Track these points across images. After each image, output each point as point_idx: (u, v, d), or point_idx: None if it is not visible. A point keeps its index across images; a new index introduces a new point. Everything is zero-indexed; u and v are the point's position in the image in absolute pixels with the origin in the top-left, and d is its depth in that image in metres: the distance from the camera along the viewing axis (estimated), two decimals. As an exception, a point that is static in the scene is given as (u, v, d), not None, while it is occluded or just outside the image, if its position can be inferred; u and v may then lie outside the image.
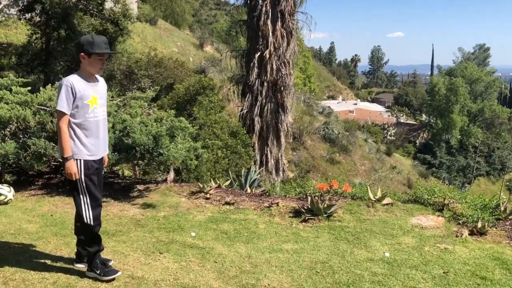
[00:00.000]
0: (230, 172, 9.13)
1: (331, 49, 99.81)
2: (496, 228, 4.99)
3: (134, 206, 5.83)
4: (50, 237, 4.50)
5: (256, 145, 14.71)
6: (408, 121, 58.27)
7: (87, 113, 3.43)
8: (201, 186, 6.38)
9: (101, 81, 3.62)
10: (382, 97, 78.14)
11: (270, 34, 14.26)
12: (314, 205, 5.36)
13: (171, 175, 6.96)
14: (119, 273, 3.59)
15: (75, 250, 3.79)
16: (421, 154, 47.42)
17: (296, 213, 5.46)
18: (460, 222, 5.11)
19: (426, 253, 4.36)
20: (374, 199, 5.75)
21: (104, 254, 3.79)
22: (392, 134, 46.74)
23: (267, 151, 15.10)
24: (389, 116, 56.59)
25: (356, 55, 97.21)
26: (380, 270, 3.93)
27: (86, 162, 3.43)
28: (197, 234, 4.75)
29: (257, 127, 14.64)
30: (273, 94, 14.85)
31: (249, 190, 6.82)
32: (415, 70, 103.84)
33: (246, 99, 14.94)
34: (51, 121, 6.01)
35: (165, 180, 7.05)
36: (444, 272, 3.91)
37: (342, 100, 61.25)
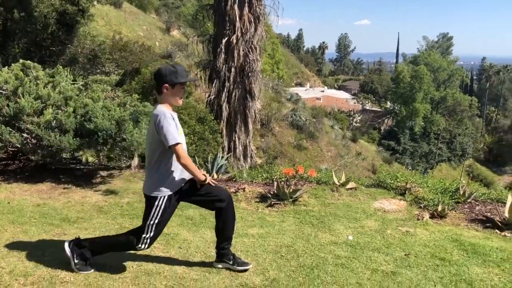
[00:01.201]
0: (196, 158, 9.03)
1: (299, 36, 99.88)
2: (455, 211, 5.16)
3: (96, 192, 5.69)
4: (6, 225, 4.33)
5: (224, 131, 14.61)
6: (373, 108, 59.40)
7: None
8: (167, 172, 6.28)
9: None
10: (349, 84, 79.17)
11: (237, 19, 14.08)
12: (280, 190, 5.38)
13: (136, 161, 6.82)
14: (91, 271, 3.43)
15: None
16: (385, 140, 48.59)
17: (262, 198, 5.47)
18: (422, 205, 5.25)
19: (388, 236, 4.46)
20: (338, 184, 5.83)
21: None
22: (358, 121, 47.64)
23: (235, 137, 15.02)
24: (355, 103, 57.51)
25: (323, 43, 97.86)
26: (344, 253, 3.99)
27: (169, 197, 3.32)
28: (161, 220, 4.67)
29: (224, 113, 14.51)
30: (241, 80, 14.74)
31: (216, 176, 6.77)
32: (381, 58, 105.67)
33: (213, 85, 14.75)
34: (7, 105, 5.76)
35: (129, 166, 6.91)
36: (405, 254, 4.01)
37: (310, 87, 61.64)
